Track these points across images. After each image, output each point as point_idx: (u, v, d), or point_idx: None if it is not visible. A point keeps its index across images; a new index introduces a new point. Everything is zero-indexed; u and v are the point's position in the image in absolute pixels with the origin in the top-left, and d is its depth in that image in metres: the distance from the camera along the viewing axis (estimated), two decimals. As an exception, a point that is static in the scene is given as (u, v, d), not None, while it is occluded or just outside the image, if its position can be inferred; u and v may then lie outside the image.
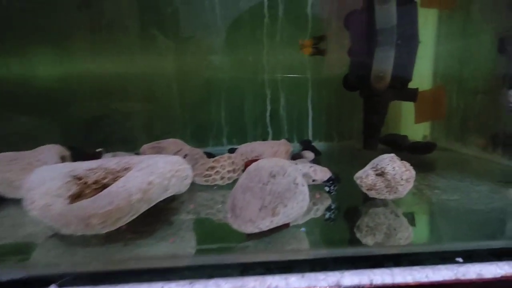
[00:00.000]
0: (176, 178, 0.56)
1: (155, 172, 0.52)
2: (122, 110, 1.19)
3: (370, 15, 0.95)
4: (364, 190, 0.64)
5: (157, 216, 0.57)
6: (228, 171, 0.75)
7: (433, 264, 0.43)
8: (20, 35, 1.07)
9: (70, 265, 0.44)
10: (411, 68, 1.00)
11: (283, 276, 0.41)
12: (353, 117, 1.29)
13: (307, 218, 0.57)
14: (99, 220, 0.43)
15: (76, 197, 0.53)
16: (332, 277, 0.41)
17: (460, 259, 0.44)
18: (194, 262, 0.45)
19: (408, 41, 0.96)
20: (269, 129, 1.28)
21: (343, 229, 0.57)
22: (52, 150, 0.76)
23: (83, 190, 0.55)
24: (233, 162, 0.77)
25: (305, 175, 0.69)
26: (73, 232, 0.45)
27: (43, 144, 0.80)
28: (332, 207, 0.62)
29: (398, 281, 0.41)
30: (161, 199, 0.54)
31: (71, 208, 0.45)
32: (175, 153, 0.82)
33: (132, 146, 1.01)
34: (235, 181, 0.73)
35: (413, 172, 0.63)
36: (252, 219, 0.47)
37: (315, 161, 0.98)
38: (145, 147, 0.85)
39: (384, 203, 0.64)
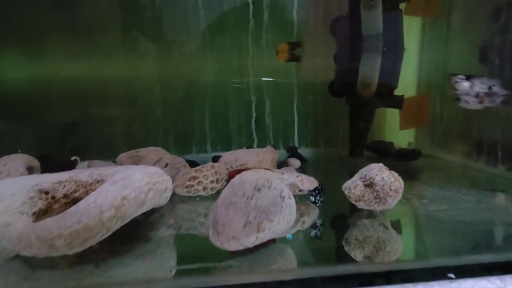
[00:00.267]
0: (154, 191, 0.52)
1: (130, 185, 0.48)
2: (100, 115, 1.13)
3: (356, 21, 0.94)
4: (352, 201, 0.62)
5: (134, 233, 0.53)
6: (211, 181, 0.72)
7: (425, 281, 0.42)
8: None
9: (32, 292, 0.40)
10: (397, 75, 1.00)
11: (269, 299, 0.38)
12: (339, 123, 1.28)
13: (294, 230, 0.54)
14: (64, 241, 0.39)
15: (42, 214, 0.49)
16: (322, 299, 0.38)
17: (452, 275, 0.43)
18: (171, 286, 0.41)
19: (394, 48, 0.96)
20: (254, 136, 1.25)
21: (331, 244, 0.54)
22: (17, 160, 0.69)
23: (51, 206, 0.50)
24: (216, 172, 0.73)
25: (291, 185, 0.66)
26: (36, 254, 0.40)
27: (12, 153, 0.74)
28: (317, 223, 0.59)
29: (390, 301, 0.39)
30: (137, 214, 0.50)
31: (33, 227, 0.40)
32: (155, 163, 0.77)
33: (110, 153, 0.96)
34: (219, 191, 0.70)
35: (401, 182, 0.62)
36: (235, 236, 0.44)
37: (301, 169, 0.95)
38: (122, 156, 0.80)
39: (372, 214, 0.62)
